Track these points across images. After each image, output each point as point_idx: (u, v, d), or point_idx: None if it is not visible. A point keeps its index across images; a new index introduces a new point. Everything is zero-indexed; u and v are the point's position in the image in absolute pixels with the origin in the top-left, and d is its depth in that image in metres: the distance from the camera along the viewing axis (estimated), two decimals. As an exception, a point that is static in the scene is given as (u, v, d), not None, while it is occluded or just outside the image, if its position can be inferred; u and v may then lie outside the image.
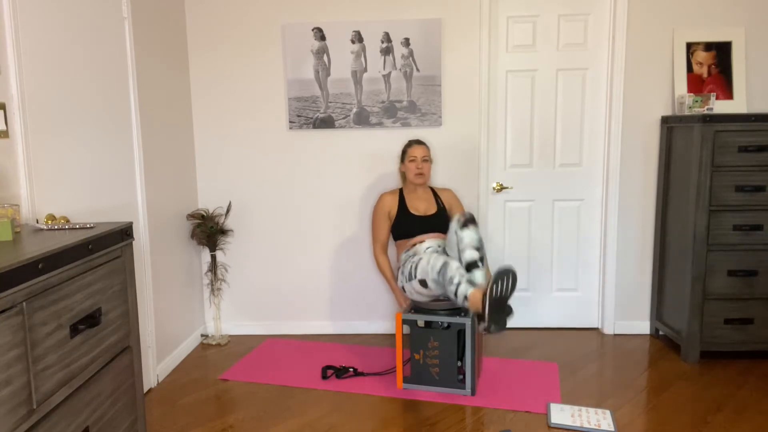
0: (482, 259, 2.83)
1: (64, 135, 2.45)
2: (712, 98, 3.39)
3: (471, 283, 2.74)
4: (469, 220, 2.91)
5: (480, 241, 2.87)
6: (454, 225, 2.99)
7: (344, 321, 3.95)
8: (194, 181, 3.84)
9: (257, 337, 3.93)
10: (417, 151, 3.32)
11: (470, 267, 2.82)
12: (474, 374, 3.00)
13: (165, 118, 3.40)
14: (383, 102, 3.71)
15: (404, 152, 3.38)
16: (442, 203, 3.39)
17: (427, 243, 3.19)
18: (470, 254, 2.83)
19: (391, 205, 3.37)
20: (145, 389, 3.13)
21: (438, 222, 3.28)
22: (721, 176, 3.23)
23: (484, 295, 2.62)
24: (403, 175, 3.42)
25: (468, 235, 2.87)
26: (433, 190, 3.43)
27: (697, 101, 3.39)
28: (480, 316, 2.66)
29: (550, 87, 3.73)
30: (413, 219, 3.28)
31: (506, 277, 2.60)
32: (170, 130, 3.47)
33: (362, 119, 3.73)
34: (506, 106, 3.76)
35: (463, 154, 3.74)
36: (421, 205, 3.35)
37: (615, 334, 3.84)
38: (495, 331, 2.62)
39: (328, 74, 3.71)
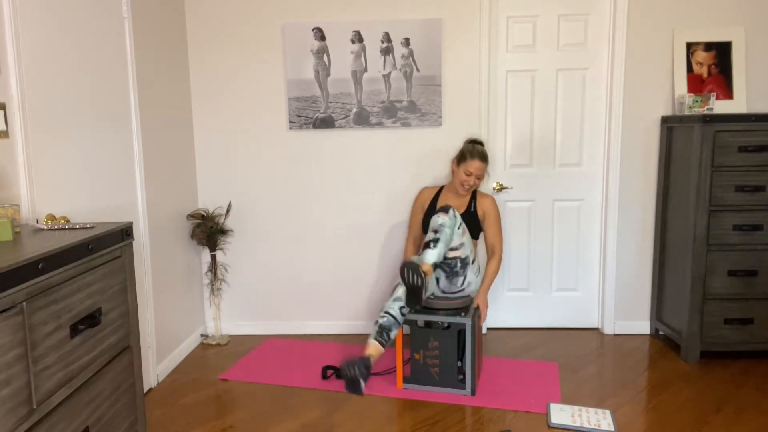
0: (437, 240, 2.89)
1: (64, 135, 2.45)
2: (712, 98, 3.39)
3: (421, 257, 2.90)
4: (441, 209, 2.97)
5: (441, 225, 2.91)
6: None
7: (344, 321, 3.95)
8: (194, 181, 3.84)
9: (257, 337, 3.93)
10: (474, 167, 3.20)
11: (424, 246, 2.93)
12: (474, 374, 3.00)
13: (165, 118, 3.40)
14: (383, 102, 3.71)
15: (463, 156, 3.24)
16: (475, 208, 3.30)
17: None
18: (428, 236, 2.94)
19: (426, 199, 3.44)
20: (145, 389, 3.13)
21: None
22: (721, 176, 3.23)
23: (414, 268, 2.80)
24: (453, 171, 3.34)
25: (434, 219, 2.95)
26: (475, 192, 3.35)
27: (697, 101, 3.39)
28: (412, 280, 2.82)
29: (550, 87, 3.73)
30: None
31: (415, 275, 2.79)
32: (170, 130, 3.47)
33: (362, 119, 3.73)
34: (506, 106, 3.76)
35: (463, 154, 3.74)
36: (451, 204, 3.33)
37: (615, 334, 3.83)
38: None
39: (328, 74, 3.71)
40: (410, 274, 2.80)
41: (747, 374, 3.22)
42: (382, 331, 2.90)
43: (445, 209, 2.94)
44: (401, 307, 2.94)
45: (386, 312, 2.94)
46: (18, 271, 1.42)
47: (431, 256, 2.86)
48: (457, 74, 3.68)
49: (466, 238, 3.00)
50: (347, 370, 2.67)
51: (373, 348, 2.86)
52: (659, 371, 3.27)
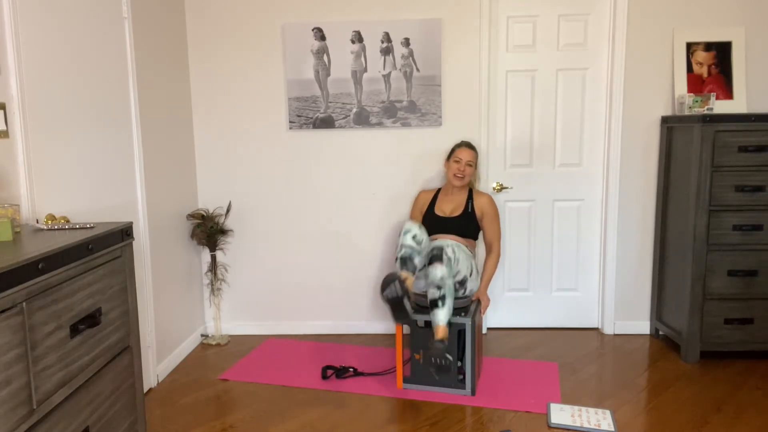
0: (443, 297, 2.83)
1: (64, 135, 2.45)
2: (712, 98, 3.39)
3: (434, 321, 2.86)
4: (435, 257, 2.85)
5: (442, 279, 2.82)
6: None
7: (344, 321, 3.95)
8: (194, 181, 3.84)
9: (257, 337, 3.93)
10: (463, 154, 3.30)
11: (431, 305, 2.86)
12: (474, 374, 3.00)
13: (165, 118, 3.40)
14: (383, 102, 3.71)
15: (452, 151, 3.37)
16: (473, 207, 3.32)
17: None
18: (431, 293, 2.87)
19: (424, 202, 3.46)
20: (145, 389, 3.13)
21: (459, 225, 3.27)
22: (721, 176, 3.23)
23: (441, 340, 2.80)
24: (446, 170, 3.41)
25: (432, 273, 2.85)
26: (471, 192, 3.38)
27: (697, 101, 3.39)
28: (439, 344, 2.79)
29: (550, 87, 3.73)
30: (435, 219, 3.31)
31: (392, 284, 2.79)
32: (170, 129, 3.47)
33: (362, 119, 3.73)
34: (506, 106, 3.76)
35: (463, 154, 3.74)
36: (447, 207, 3.35)
37: (615, 334, 3.83)
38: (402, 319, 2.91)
39: (328, 74, 3.71)
40: (389, 288, 2.80)
41: (747, 374, 3.22)
42: (406, 262, 2.93)
43: (438, 257, 2.85)
44: (413, 236, 2.97)
45: (401, 245, 2.97)
46: (18, 271, 1.43)
47: (443, 315, 2.82)
48: (457, 74, 3.68)
49: (462, 258, 3.00)
50: (389, 291, 2.77)
51: (404, 274, 2.91)
52: (659, 371, 3.27)
